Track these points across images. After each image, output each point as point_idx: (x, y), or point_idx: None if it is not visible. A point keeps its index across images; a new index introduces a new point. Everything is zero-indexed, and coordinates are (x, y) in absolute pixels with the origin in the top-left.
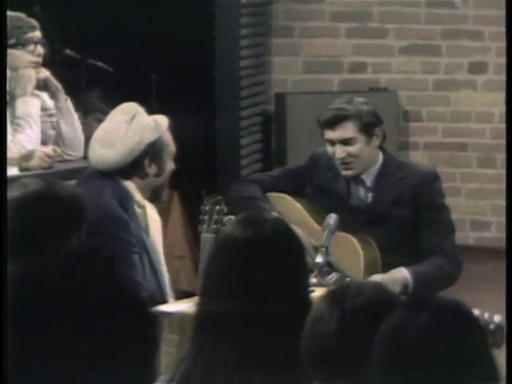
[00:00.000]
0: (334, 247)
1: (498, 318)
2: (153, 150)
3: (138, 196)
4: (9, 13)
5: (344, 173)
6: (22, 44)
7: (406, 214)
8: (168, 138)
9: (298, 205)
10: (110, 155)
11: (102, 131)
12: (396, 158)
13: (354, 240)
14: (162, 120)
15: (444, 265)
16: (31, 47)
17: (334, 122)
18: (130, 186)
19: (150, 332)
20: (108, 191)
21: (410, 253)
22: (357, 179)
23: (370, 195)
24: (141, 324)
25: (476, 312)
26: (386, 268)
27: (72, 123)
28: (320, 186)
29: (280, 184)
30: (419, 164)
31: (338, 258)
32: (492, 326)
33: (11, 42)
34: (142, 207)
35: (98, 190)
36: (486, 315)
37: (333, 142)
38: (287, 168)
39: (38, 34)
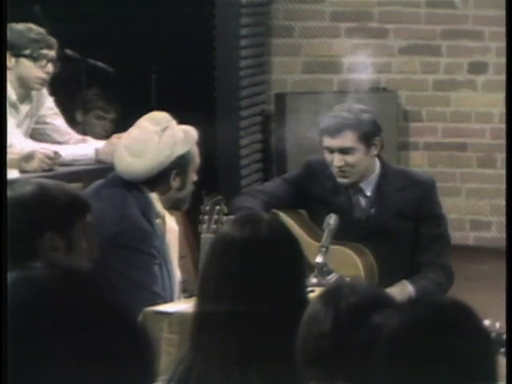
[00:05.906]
0: (331, 262)
1: (499, 325)
2: (180, 163)
3: (158, 206)
4: (31, 25)
5: (340, 180)
6: (34, 57)
7: (409, 226)
8: (195, 151)
9: (292, 222)
10: (139, 165)
11: (131, 139)
12: (391, 164)
13: (352, 253)
14: (192, 133)
15: (441, 278)
16: (43, 63)
17: (334, 129)
18: (153, 196)
19: (144, 353)
20: (131, 201)
21: (410, 264)
22: (356, 188)
23: (371, 205)
24: (134, 345)
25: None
26: (383, 278)
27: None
28: (319, 198)
29: (278, 194)
30: (414, 171)
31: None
32: (494, 334)
33: (26, 52)
34: (161, 217)
35: (121, 200)
36: (487, 322)
37: (331, 150)
38: (283, 177)
39: (53, 53)
